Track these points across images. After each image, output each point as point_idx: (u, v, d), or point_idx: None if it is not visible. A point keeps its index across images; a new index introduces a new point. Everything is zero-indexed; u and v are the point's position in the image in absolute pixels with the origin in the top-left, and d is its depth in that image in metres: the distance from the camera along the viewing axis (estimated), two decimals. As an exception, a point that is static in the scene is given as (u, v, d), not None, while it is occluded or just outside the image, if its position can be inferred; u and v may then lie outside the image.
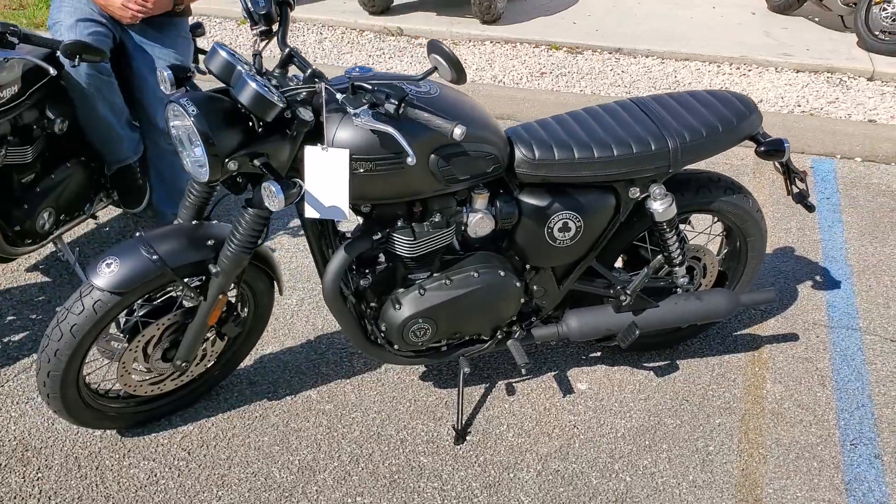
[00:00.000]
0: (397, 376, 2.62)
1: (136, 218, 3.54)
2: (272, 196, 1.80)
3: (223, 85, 1.95)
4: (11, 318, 2.88)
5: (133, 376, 2.21)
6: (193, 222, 2.15)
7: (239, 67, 1.88)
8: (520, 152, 2.15)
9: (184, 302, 2.21)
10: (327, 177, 1.94)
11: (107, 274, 1.98)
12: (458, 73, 1.78)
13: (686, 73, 5.88)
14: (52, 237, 2.93)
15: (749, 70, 5.94)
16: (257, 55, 1.98)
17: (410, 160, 1.81)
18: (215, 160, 1.85)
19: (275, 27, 2.03)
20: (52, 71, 2.52)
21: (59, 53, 2.51)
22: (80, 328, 2.00)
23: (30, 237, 2.83)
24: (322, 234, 2.17)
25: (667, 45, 6.26)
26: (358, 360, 2.71)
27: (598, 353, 2.74)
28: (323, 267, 2.20)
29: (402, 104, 1.83)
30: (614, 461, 2.30)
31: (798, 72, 5.90)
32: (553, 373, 2.65)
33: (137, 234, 2.09)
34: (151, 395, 2.31)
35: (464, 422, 2.41)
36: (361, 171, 1.95)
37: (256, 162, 1.89)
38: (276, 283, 2.34)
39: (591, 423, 2.44)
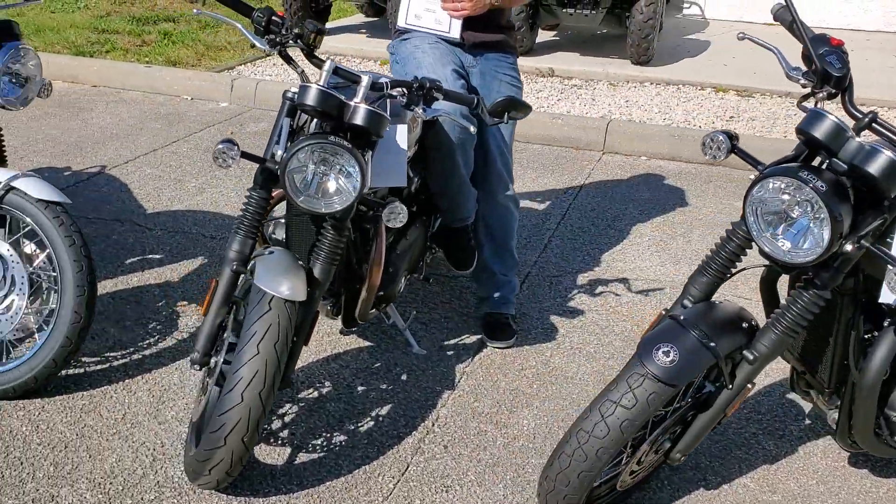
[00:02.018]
0: (824, 463, 2.39)
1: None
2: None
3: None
4: (362, 388, 2.66)
5: (629, 469, 1.99)
6: (717, 301, 1.95)
7: (853, 135, 1.69)
8: None
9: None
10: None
11: (667, 364, 1.76)
12: None
13: (870, 118, 5.74)
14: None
15: (936, 116, 5.79)
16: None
17: None
18: (833, 241, 1.65)
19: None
20: (473, 129, 2.32)
21: (480, 111, 2.30)
22: (630, 423, 1.77)
23: (386, 301, 2.62)
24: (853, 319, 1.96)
25: (839, 90, 6.12)
26: (766, 439, 2.48)
27: None
28: (825, 349, 2.00)
29: None
30: None
31: (984, 118, 5.77)
32: None
33: (682, 316, 1.87)
34: (622, 488, 2.08)
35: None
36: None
37: (864, 242, 1.70)
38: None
39: None
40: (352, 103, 2.02)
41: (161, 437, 2.39)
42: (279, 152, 2.02)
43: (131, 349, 2.80)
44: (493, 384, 2.71)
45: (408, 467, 2.32)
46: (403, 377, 2.73)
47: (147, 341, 2.85)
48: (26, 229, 2.52)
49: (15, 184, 2.43)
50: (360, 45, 7.12)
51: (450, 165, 2.63)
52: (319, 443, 2.40)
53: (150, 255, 3.47)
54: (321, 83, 2.09)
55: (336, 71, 2.12)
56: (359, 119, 2.02)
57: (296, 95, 2.11)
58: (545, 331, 3.03)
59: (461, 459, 2.36)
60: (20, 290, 2.44)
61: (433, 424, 2.50)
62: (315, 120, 2.13)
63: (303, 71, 2.16)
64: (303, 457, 2.34)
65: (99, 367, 2.69)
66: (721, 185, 4.53)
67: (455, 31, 2.75)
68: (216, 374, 2.09)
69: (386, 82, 2.18)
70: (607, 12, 6.60)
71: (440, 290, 3.30)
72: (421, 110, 2.18)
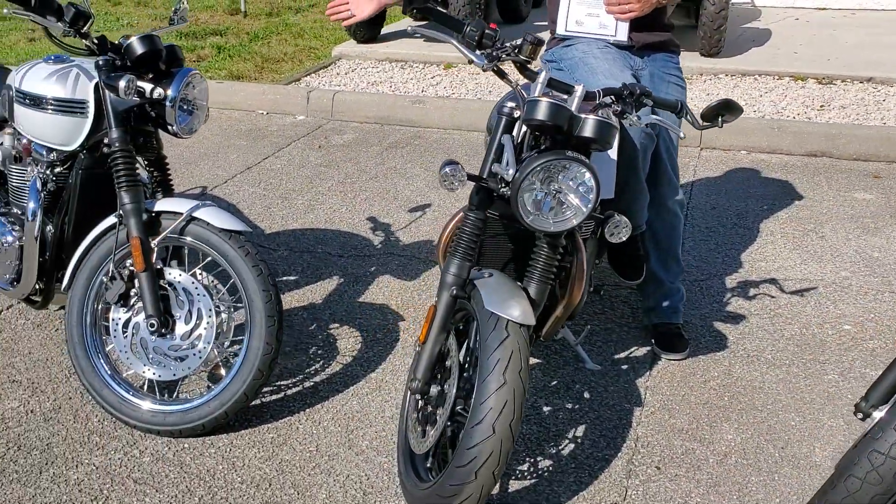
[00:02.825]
0: None
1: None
2: None
3: None
4: (547, 408, 2.56)
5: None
6: None
7: None
8: None
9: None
10: None
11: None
12: None
13: (962, 101, 5.61)
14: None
15: None
16: None
17: None
18: None
19: None
20: (682, 134, 2.23)
21: (686, 116, 2.21)
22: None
23: (573, 318, 2.52)
24: None
25: (923, 73, 6.00)
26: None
27: None
28: None
29: None
30: None
31: None
32: None
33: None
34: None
35: None
36: None
37: None
38: None
39: None
40: (581, 115, 1.93)
41: (363, 468, 2.30)
42: (510, 171, 1.92)
43: (300, 376, 2.72)
44: (681, 398, 2.61)
45: (627, 492, 2.22)
46: (586, 395, 2.63)
47: (313, 367, 2.77)
48: (206, 260, 2.44)
49: (197, 214, 2.36)
50: (419, 49, 7.02)
51: (632, 173, 2.53)
52: (526, 469, 2.31)
53: (285, 277, 3.38)
54: (535, 95, 1.99)
55: (549, 81, 2.03)
56: (588, 131, 1.93)
57: (513, 110, 2.02)
58: (714, 338, 2.93)
59: (679, 481, 2.26)
60: (208, 323, 2.36)
61: (636, 444, 2.41)
62: (531, 135, 2.04)
63: (517, 84, 2.06)
64: (515, 484, 2.25)
65: (274, 396, 2.61)
66: (832, 177, 4.42)
67: (622, 34, 2.67)
68: (448, 404, 2.00)
69: (598, 90, 2.08)
70: (677, 4, 6.49)
71: (588, 299, 3.20)
72: (637, 118, 2.09)
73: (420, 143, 5.12)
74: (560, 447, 2.39)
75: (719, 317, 3.07)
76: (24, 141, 2.55)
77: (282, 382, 2.68)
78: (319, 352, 2.87)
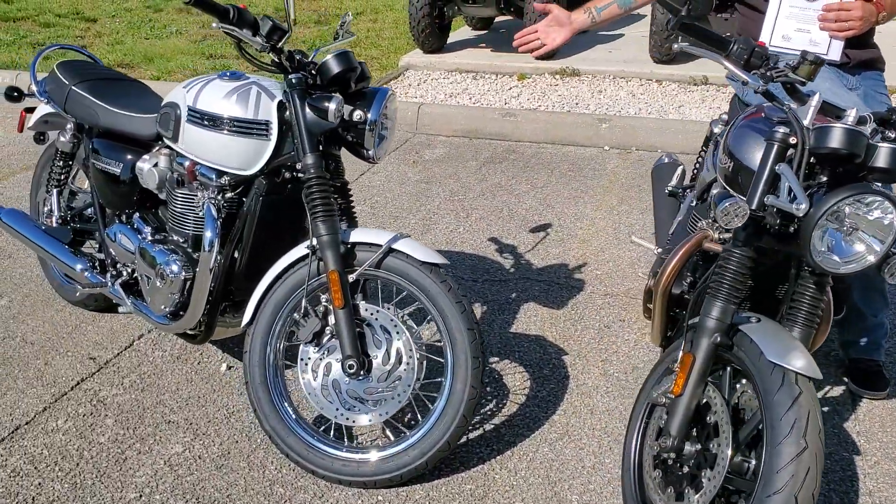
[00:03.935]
0: None
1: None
2: None
3: None
4: (761, 457, 2.35)
5: None
6: None
7: None
8: None
9: None
10: None
11: None
12: None
13: None
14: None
15: None
16: None
17: None
18: None
19: None
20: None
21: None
22: None
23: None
24: None
25: None
26: None
27: None
28: None
29: None
30: None
31: None
32: None
33: None
34: None
35: None
36: None
37: None
38: None
39: None
40: (876, 143, 1.73)
41: (583, 528, 2.10)
42: (803, 206, 1.71)
43: (477, 417, 2.49)
44: (900, 445, 2.41)
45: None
46: None
47: (487, 408, 2.55)
48: (401, 295, 2.24)
49: (396, 246, 2.15)
50: (489, 59, 6.82)
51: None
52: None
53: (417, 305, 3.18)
54: (808, 121, 1.79)
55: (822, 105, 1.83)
56: (884, 160, 1.72)
57: (787, 136, 1.81)
58: (911, 377, 2.73)
59: (936, 543, 2.06)
60: (408, 364, 2.15)
61: (871, 500, 2.19)
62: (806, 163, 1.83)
63: (789, 107, 1.86)
64: (757, 547, 2.04)
65: (457, 442, 2.40)
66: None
67: (835, 53, 2.46)
68: (721, 467, 1.78)
69: (868, 114, 1.88)
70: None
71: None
72: (904, 145, 1.88)
73: (517, 157, 4.92)
74: (790, 503, 2.18)
75: (908, 352, 2.86)
76: (188, 163, 2.35)
77: (461, 425, 2.47)
78: (489, 389, 2.65)
